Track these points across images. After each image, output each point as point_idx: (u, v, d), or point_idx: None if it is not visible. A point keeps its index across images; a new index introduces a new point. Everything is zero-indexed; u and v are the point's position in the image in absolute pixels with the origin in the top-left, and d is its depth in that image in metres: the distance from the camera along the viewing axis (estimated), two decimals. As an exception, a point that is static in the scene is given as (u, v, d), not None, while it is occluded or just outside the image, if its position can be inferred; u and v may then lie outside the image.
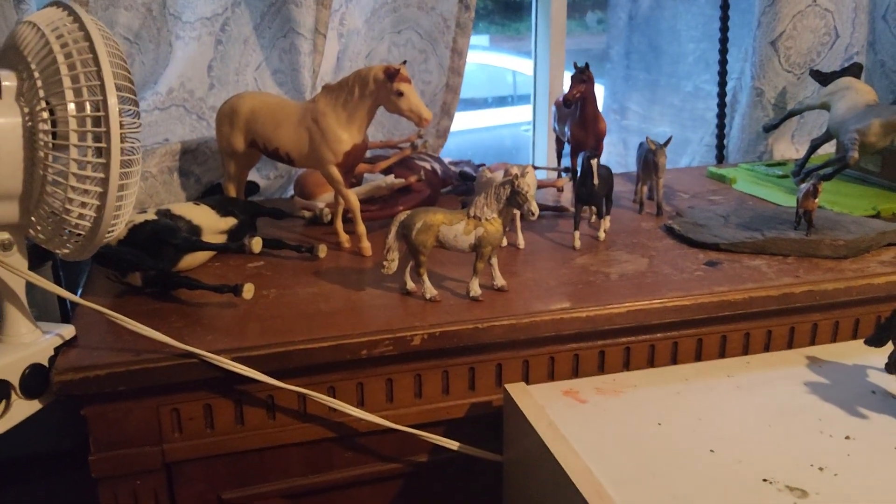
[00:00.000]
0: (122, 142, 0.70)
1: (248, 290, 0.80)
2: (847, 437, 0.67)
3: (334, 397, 0.76)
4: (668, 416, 0.71)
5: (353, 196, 0.95)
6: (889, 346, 0.73)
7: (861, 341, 0.78)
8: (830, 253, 0.91)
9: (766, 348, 0.86)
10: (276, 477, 0.79)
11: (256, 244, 0.84)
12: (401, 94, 0.89)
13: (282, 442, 0.77)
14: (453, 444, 0.80)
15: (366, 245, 0.96)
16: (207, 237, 0.91)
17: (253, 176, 1.15)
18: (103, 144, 0.69)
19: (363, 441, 0.80)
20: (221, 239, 0.93)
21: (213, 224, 0.92)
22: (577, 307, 0.80)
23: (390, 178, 1.08)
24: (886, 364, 0.74)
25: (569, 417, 0.71)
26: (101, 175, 0.69)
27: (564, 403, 0.74)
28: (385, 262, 0.83)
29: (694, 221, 1.01)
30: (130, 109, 0.74)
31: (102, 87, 0.68)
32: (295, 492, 0.80)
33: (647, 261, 0.92)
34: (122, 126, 0.71)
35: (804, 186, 0.95)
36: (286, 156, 0.96)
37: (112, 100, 0.69)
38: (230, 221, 0.94)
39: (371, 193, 1.07)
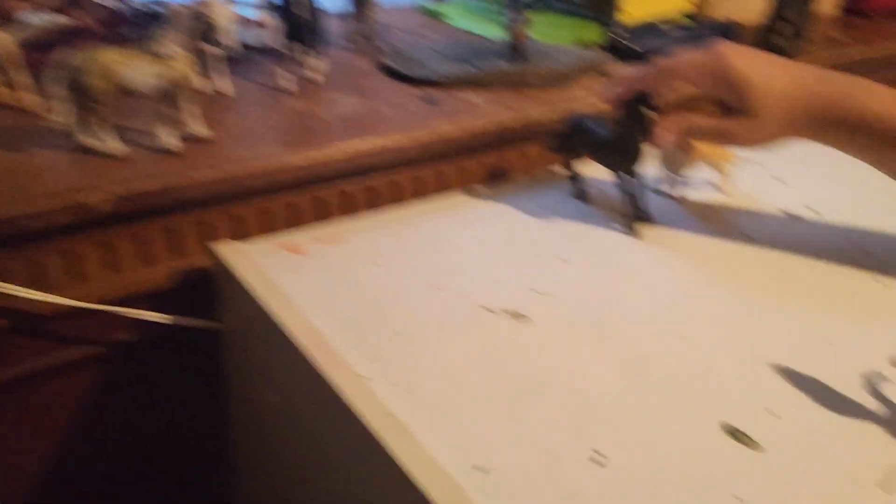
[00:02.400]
0: None
1: None
2: (563, 260, 0.68)
3: (2, 281, 0.64)
4: (390, 259, 0.68)
5: (6, 38, 0.78)
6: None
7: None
8: (539, 82, 0.91)
9: (488, 180, 0.86)
10: (-58, 381, 0.66)
11: None
12: None
13: (-60, 340, 0.64)
14: (162, 318, 0.72)
15: (28, 97, 0.79)
16: None
17: None
18: None
19: (50, 326, 0.69)
20: None
21: None
22: (290, 153, 0.73)
23: (59, 18, 0.90)
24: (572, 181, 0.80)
25: (287, 273, 0.65)
26: None
27: (282, 259, 0.68)
28: (53, 116, 0.69)
29: (409, 57, 0.96)
30: None
31: None
32: (-30, 395, 0.68)
33: (364, 100, 0.86)
34: None
35: (513, 17, 0.93)
36: None
37: None
38: None
39: (33, 36, 0.88)
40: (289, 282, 0.64)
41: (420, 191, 0.83)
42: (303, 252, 0.69)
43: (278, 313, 0.59)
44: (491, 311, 0.61)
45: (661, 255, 0.70)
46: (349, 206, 0.79)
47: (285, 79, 0.88)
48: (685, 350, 0.57)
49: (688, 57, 0.67)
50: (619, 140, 0.71)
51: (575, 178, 0.79)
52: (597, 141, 0.73)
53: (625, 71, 0.72)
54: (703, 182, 0.83)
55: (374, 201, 0.80)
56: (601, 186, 0.80)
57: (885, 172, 0.66)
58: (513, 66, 0.92)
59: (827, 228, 0.74)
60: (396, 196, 0.81)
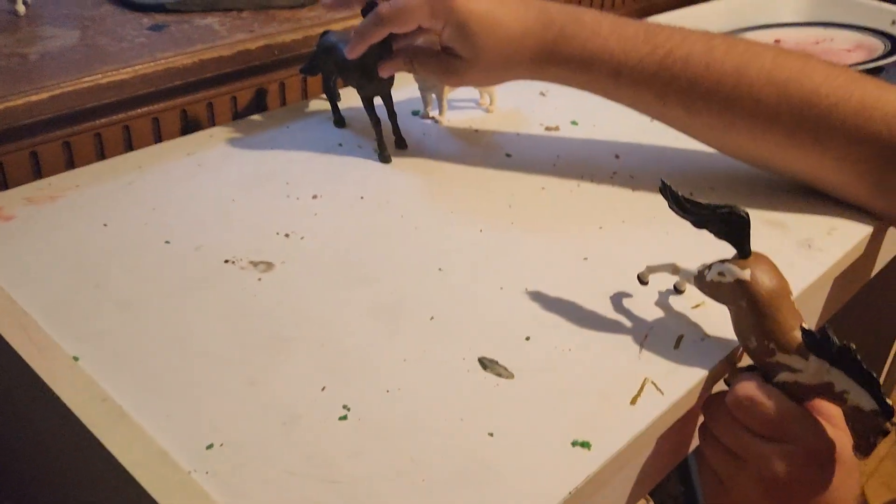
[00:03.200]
0: None
1: None
2: (314, 197, 0.63)
3: None
4: (116, 214, 0.59)
5: None
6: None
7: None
8: (286, 2, 0.83)
9: (235, 116, 0.77)
10: None
11: None
12: None
13: None
14: None
15: None
16: None
17: None
18: None
19: None
20: None
21: None
22: (-18, 101, 0.62)
23: None
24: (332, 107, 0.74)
25: (-14, 243, 0.55)
26: None
27: (-21, 227, 0.57)
28: None
29: (136, -19, 0.84)
30: None
31: None
32: None
33: (78, 33, 0.74)
34: None
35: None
36: None
37: None
38: None
39: None
40: (-14, 255, 0.54)
41: (161, 132, 0.73)
42: (7, 216, 0.58)
43: (-32, 295, 0.50)
44: (233, 264, 0.55)
45: (420, 182, 0.66)
46: (73, 158, 0.68)
47: (-18, 12, 0.74)
48: (443, 283, 0.54)
49: (412, 4, 0.61)
50: (363, 61, 0.66)
51: (333, 103, 0.73)
52: (345, 62, 0.68)
53: None
54: (467, 102, 0.79)
55: (105, 149, 0.70)
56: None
57: (614, 101, 0.66)
58: (258, -15, 0.83)
59: (586, 140, 0.74)
60: (132, 140, 0.71)
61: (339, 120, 0.73)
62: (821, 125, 0.59)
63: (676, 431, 0.49)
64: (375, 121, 0.68)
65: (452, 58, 0.64)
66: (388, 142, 0.69)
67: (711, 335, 0.50)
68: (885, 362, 0.97)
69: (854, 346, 0.42)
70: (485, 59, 0.62)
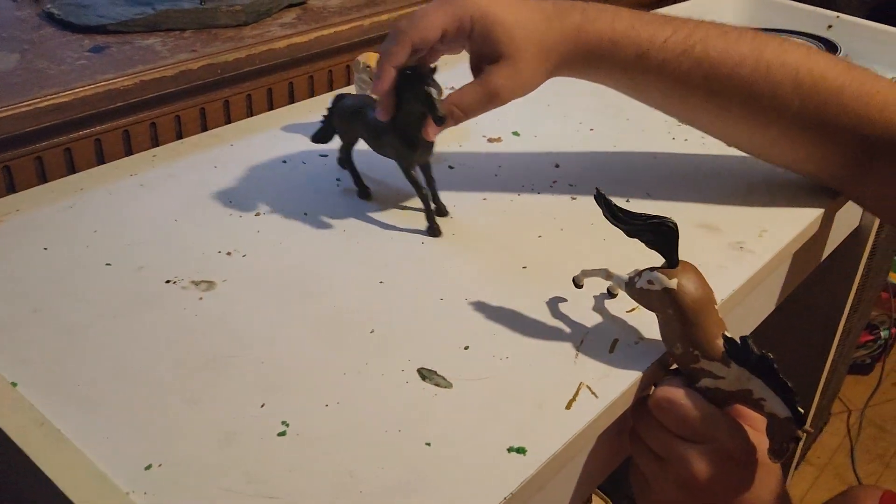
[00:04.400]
0: None
1: None
2: (257, 214, 0.63)
3: None
4: (57, 238, 0.59)
5: None
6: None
7: (276, 112, 0.75)
8: (229, 21, 0.83)
9: (179, 136, 0.78)
10: None
11: None
12: None
13: None
14: None
15: None
16: None
17: None
18: None
19: None
20: None
21: None
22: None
23: None
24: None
25: (-78, 270, 0.55)
26: None
27: (-84, 254, 0.57)
28: None
29: (77, 3, 0.84)
30: None
31: None
32: None
33: (17, 56, 0.74)
34: None
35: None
36: None
37: None
38: None
39: None
40: (-78, 283, 0.53)
41: (103, 154, 0.73)
42: (-57, 244, 0.58)
43: None
44: (175, 284, 0.55)
45: (361, 198, 0.66)
46: (14, 182, 0.68)
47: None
48: (384, 295, 0.54)
49: (429, 10, 0.57)
50: (405, 127, 0.59)
51: (356, 174, 0.66)
52: (379, 129, 0.61)
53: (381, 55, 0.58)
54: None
55: (47, 172, 0.70)
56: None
57: (638, 97, 0.65)
58: (196, 4, 0.83)
59: (527, 150, 0.75)
60: (73, 163, 0.71)
61: (365, 191, 0.66)
62: (828, 110, 0.60)
63: (614, 433, 0.50)
64: (420, 189, 0.61)
65: (490, 76, 0.59)
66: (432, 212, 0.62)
67: (646, 338, 0.51)
68: (828, 354, 1.00)
69: (772, 356, 0.43)
70: (521, 49, 0.58)
